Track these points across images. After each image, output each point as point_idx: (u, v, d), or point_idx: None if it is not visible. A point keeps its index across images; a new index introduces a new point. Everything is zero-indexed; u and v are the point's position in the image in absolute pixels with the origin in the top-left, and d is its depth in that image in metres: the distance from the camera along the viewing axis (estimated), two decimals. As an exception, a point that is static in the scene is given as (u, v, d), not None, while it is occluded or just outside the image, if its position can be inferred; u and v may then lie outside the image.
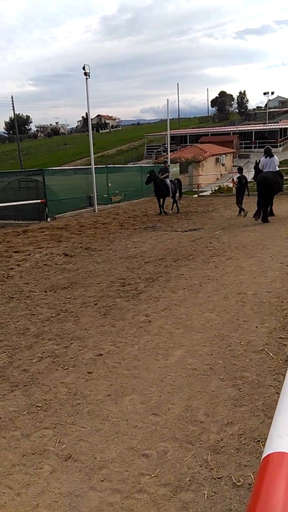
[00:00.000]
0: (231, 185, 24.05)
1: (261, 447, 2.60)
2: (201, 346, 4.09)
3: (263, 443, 2.64)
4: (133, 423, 2.94)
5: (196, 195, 24.80)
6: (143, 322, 4.84)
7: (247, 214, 13.00)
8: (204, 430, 2.81)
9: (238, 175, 13.62)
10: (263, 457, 0.76)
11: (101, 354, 4.05)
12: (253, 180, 13.87)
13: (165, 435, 2.79)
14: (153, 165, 32.05)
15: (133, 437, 2.79)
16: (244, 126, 57.26)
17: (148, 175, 16.01)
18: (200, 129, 62.20)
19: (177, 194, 16.54)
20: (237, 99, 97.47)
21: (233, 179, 15.45)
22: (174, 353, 3.97)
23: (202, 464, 2.49)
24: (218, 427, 2.84)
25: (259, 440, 2.67)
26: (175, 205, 16.51)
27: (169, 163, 17.71)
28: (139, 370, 3.70)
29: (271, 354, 3.81)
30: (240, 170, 13.75)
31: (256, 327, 4.45)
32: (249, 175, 32.03)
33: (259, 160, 12.38)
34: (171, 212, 16.10)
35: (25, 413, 3.15)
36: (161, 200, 16.05)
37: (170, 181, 16.28)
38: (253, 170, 14.00)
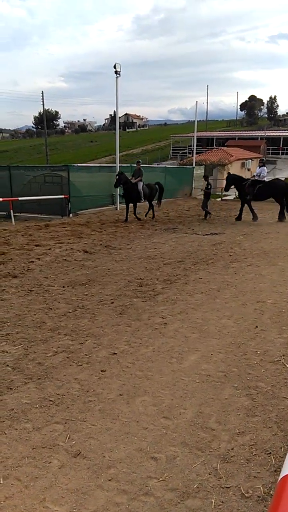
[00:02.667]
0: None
1: (272, 460, 2.56)
2: (216, 352, 4.05)
3: (274, 455, 2.60)
4: (144, 424, 2.93)
5: (220, 199, 24.60)
6: (158, 324, 4.83)
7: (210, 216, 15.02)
8: (215, 437, 2.79)
9: (206, 182, 15.21)
10: (280, 477, 0.74)
11: (115, 353, 4.06)
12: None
13: (175, 439, 2.77)
14: (177, 166, 31.95)
15: (143, 439, 2.78)
16: (273, 131, 56.47)
17: (117, 177, 13.96)
18: (228, 132, 61.63)
19: (155, 199, 15.03)
20: (267, 104, 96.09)
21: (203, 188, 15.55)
22: (189, 358, 3.95)
23: (211, 472, 2.47)
24: (229, 435, 2.80)
25: (270, 452, 2.63)
26: (151, 210, 14.97)
27: (141, 163, 15.22)
28: (153, 372, 3.69)
29: (287, 366, 3.74)
30: (206, 177, 15.37)
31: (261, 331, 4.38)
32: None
33: (255, 174, 14.38)
34: (145, 217, 14.55)
35: (37, 406, 3.18)
36: (132, 206, 14.28)
37: (147, 185, 14.60)
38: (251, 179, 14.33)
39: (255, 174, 14.34)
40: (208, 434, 2.82)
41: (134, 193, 14.01)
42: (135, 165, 15.06)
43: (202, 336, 4.45)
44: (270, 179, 14.50)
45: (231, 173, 14.92)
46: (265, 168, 14.26)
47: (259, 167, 14.29)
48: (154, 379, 3.56)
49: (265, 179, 14.11)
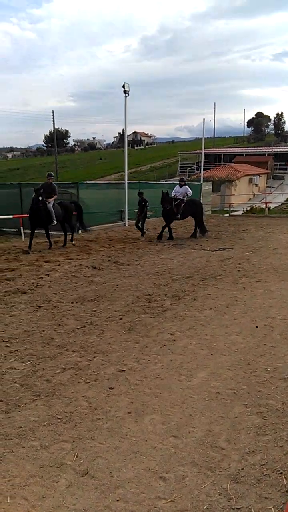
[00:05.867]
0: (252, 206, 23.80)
1: (283, 480, 2.51)
2: (226, 369, 4.01)
3: (286, 475, 2.54)
4: (152, 443, 2.89)
5: (228, 215, 24.64)
6: (167, 340, 4.80)
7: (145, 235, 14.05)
8: (224, 457, 2.74)
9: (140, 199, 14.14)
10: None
11: (124, 370, 4.04)
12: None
13: (184, 459, 2.73)
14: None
15: (151, 458, 2.74)
16: (280, 147, 56.73)
17: (39, 191, 11.10)
18: (235, 148, 62.11)
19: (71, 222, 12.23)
20: (274, 121, 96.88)
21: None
22: (198, 375, 3.91)
23: (221, 493, 2.42)
24: (240, 455, 2.75)
25: (281, 472, 2.57)
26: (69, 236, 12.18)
27: (52, 176, 12.05)
28: (161, 389, 3.65)
29: (298, 383, 3.68)
30: (140, 194, 14.27)
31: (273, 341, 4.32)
32: (283, 196, 31.47)
33: (166, 191, 13.91)
34: (72, 243, 11.98)
35: (45, 424, 3.16)
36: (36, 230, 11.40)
37: (60, 203, 11.85)
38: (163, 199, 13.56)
39: (176, 193, 13.95)
40: (217, 454, 2.77)
41: (42, 213, 11.13)
42: (47, 178, 11.94)
43: (211, 353, 4.41)
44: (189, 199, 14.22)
45: (164, 192, 13.83)
46: (187, 187, 14.17)
47: (181, 186, 14.07)
48: (163, 397, 3.52)
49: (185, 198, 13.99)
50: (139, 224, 14.32)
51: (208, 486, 2.48)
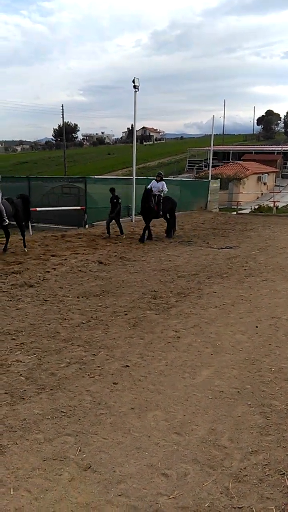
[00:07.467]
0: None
1: (285, 480, 2.51)
2: (230, 368, 4.01)
3: (288, 476, 2.54)
4: (155, 440, 2.90)
5: (235, 213, 24.53)
6: (172, 337, 4.81)
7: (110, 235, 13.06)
8: (227, 456, 2.74)
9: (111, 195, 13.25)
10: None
11: (128, 366, 4.05)
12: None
13: (186, 456, 2.74)
14: (193, 179, 32.03)
15: (154, 454, 2.75)
16: (290, 146, 56.22)
17: None
18: (244, 146, 61.68)
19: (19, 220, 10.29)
20: (284, 119, 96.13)
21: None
22: (202, 373, 3.91)
23: (222, 491, 2.42)
24: (242, 454, 2.76)
25: (284, 473, 2.57)
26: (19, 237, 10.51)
27: None
28: (165, 386, 3.66)
29: (302, 384, 3.67)
30: (112, 190, 13.34)
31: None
32: (291, 196, 31.19)
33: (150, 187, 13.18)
34: (24, 249, 10.08)
35: (49, 417, 3.18)
36: None
37: (7, 199, 9.98)
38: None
39: (152, 187, 13.18)
40: (220, 452, 2.78)
41: None
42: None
43: (216, 351, 4.41)
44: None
45: (148, 188, 13.09)
46: (164, 183, 13.55)
47: (158, 182, 13.44)
48: (166, 394, 3.53)
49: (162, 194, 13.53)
50: (117, 224, 13.32)
51: (209, 484, 2.49)
